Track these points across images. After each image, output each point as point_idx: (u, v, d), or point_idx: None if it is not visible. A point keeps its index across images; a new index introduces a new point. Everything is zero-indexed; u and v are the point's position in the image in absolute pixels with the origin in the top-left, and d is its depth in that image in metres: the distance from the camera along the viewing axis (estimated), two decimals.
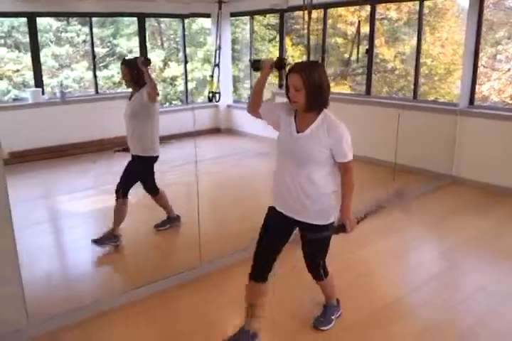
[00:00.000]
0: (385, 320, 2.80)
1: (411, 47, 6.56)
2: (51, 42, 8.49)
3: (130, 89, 3.71)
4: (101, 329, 2.72)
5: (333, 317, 2.72)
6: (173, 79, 9.09)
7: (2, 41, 7.97)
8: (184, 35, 7.84)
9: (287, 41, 8.60)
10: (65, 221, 4.56)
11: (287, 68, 2.22)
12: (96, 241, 3.64)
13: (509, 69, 7.84)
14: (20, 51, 8.01)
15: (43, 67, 7.07)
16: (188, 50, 8.23)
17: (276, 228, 2.39)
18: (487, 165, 5.08)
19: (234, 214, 4.44)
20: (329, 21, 7.16)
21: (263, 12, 8.01)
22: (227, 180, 5.68)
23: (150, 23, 8.60)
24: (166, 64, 9.26)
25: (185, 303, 2.98)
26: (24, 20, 6.52)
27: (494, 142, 5.01)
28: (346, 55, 9.09)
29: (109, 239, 3.67)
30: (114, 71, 8.65)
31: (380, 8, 7.19)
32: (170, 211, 4.05)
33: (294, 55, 9.35)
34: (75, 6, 6.45)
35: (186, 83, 8.03)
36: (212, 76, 7.49)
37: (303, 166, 2.21)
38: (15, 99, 7.59)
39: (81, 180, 5.29)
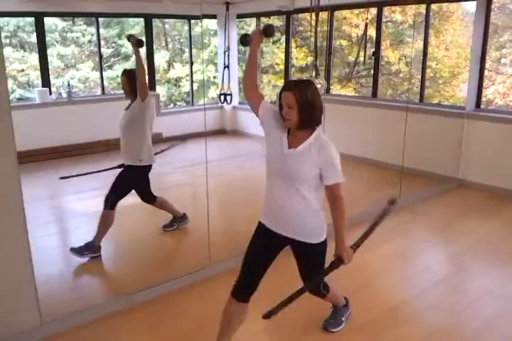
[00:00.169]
0: (392, 322, 2.81)
1: (416, 49, 6.56)
2: (57, 42, 8.48)
3: None
4: (113, 328, 2.74)
5: (343, 318, 2.74)
6: (178, 80, 9.10)
7: (8, 41, 7.98)
8: (190, 36, 7.85)
9: (291, 43, 8.60)
10: (73, 221, 4.58)
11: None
12: (74, 250, 3.51)
13: None
14: (25, 51, 8.02)
15: (49, 67, 7.09)
16: (193, 51, 8.24)
17: (265, 245, 2.30)
18: (494, 168, 5.10)
19: (242, 214, 4.43)
20: (334, 23, 7.16)
21: (269, 14, 8.03)
22: (233, 182, 5.69)
23: (155, 24, 8.59)
24: (170, 65, 9.26)
25: (194, 303, 3.00)
26: (30, 19, 6.54)
27: (501, 145, 5.03)
28: (350, 58, 9.10)
29: (87, 250, 3.52)
30: (118, 72, 8.63)
31: (385, 11, 7.19)
32: (174, 212, 4.05)
33: (298, 56, 9.35)
34: (82, 6, 6.48)
35: (192, 84, 8.02)
36: (222, 77, 7.49)
37: (293, 183, 2.14)
38: (19, 99, 7.60)
39: (87, 180, 5.28)
